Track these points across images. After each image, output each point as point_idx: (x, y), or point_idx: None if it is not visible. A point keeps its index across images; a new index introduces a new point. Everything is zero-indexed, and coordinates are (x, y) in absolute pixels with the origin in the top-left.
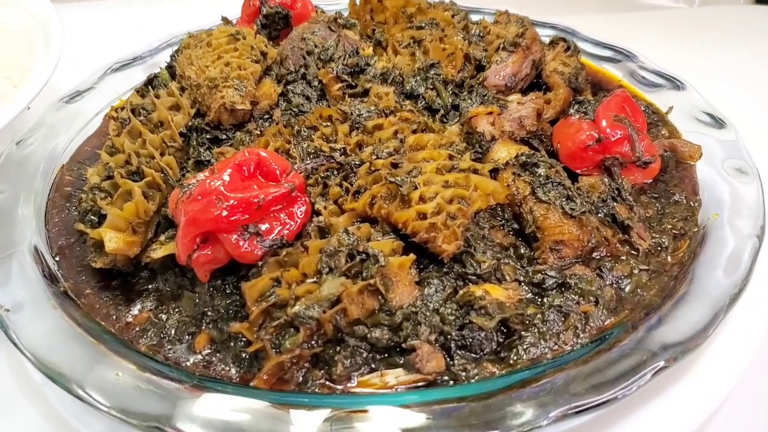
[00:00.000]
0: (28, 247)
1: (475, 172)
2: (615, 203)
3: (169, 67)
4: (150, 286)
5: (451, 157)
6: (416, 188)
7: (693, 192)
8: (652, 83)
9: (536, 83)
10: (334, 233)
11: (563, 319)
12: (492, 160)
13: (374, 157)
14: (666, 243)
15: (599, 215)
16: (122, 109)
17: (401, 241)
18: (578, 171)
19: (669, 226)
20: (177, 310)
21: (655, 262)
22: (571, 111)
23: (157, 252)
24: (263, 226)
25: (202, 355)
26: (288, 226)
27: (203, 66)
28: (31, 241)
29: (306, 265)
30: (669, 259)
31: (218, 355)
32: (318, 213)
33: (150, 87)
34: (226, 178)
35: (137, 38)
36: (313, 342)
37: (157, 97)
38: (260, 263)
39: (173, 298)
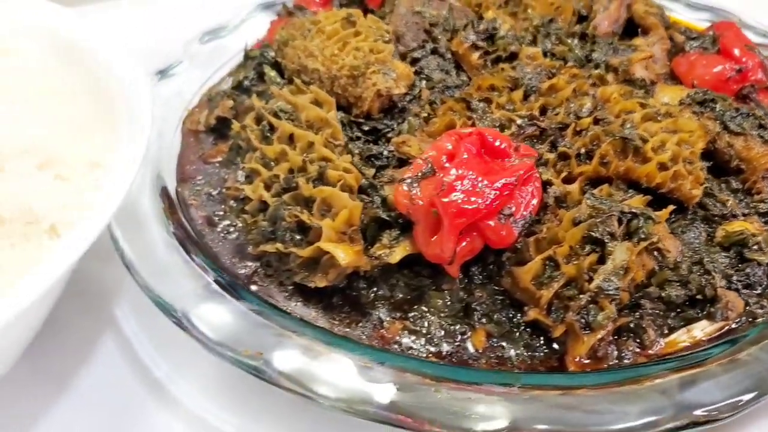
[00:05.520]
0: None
1: (668, 115)
2: None
3: (261, 64)
4: (375, 295)
5: (642, 105)
6: (645, 141)
7: None
8: None
9: None
10: (570, 201)
11: None
12: (661, 104)
13: (573, 116)
14: None
15: None
16: (233, 113)
17: (647, 195)
18: None
19: None
20: (429, 312)
21: None
22: (687, 48)
23: (394, 255)
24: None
25: (485, 355)
26: (532, 201)
27: (331, 56)
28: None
29: (570, 238)
30: None
31: (503, 349)
32: (549, 183)
33: (244, 91)
34: (467, 158)
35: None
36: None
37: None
38: (518, 245)
39: (414, 302)
